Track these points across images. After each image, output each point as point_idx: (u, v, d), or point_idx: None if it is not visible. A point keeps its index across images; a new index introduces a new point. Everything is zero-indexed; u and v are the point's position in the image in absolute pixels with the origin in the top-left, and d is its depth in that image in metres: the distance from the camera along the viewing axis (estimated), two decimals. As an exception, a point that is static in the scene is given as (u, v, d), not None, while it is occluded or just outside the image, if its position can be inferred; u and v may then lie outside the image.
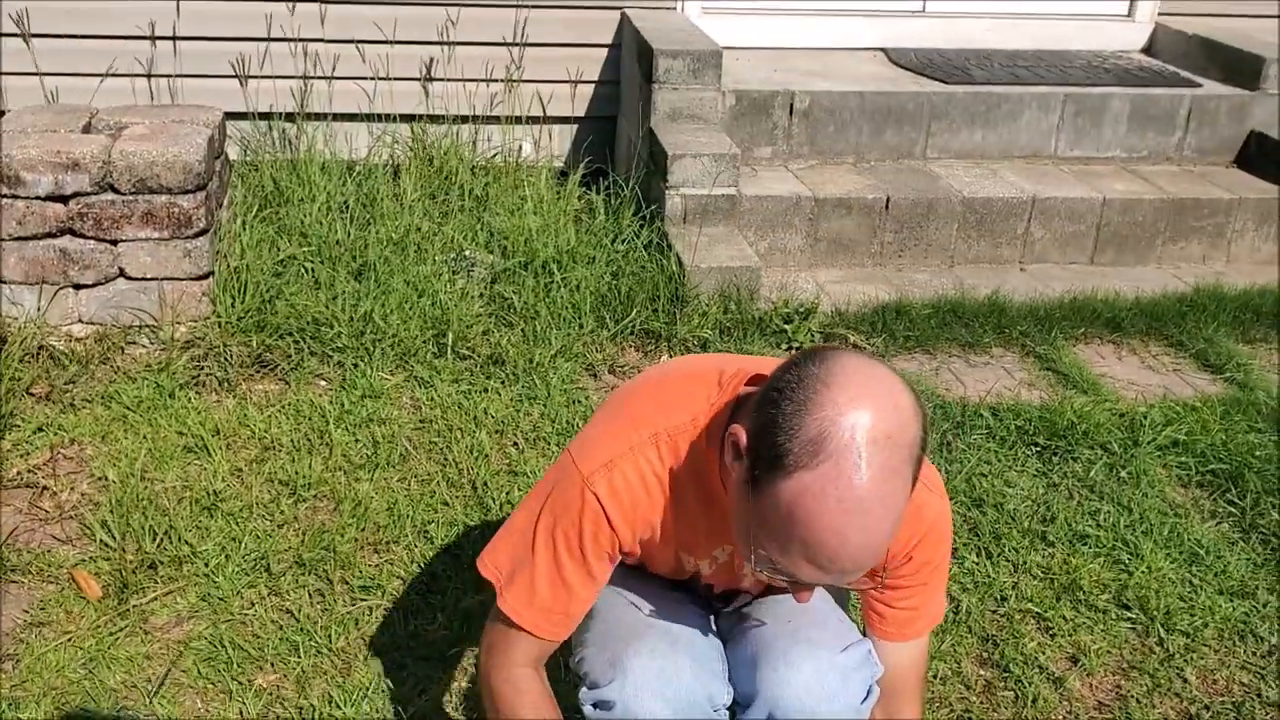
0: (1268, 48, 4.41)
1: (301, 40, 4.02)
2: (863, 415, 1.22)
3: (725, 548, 1.59)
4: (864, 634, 1.65)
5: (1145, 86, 4.31)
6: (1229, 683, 2.29)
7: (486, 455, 2.78)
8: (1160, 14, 4.77)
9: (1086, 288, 3.78)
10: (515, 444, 2.85)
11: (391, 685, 2.13)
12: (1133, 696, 2.23)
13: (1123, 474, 2.87)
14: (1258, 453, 2.96)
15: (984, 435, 2.98)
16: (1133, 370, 3.42)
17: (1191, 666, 2.32)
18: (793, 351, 3.26)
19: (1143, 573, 2.54)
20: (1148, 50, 4.81)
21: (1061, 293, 3.75)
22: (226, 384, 3.01)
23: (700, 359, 1.59)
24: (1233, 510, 2.80)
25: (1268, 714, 2.21)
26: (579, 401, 3.04)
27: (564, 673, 2.14)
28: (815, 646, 1.58)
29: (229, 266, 3.30)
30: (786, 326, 3.43)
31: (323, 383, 3.06)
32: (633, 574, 1.70)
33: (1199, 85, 4.38)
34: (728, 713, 1.60)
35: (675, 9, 4.39)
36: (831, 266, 3.93)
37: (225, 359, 3.07)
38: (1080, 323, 3.59)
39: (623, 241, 3.69)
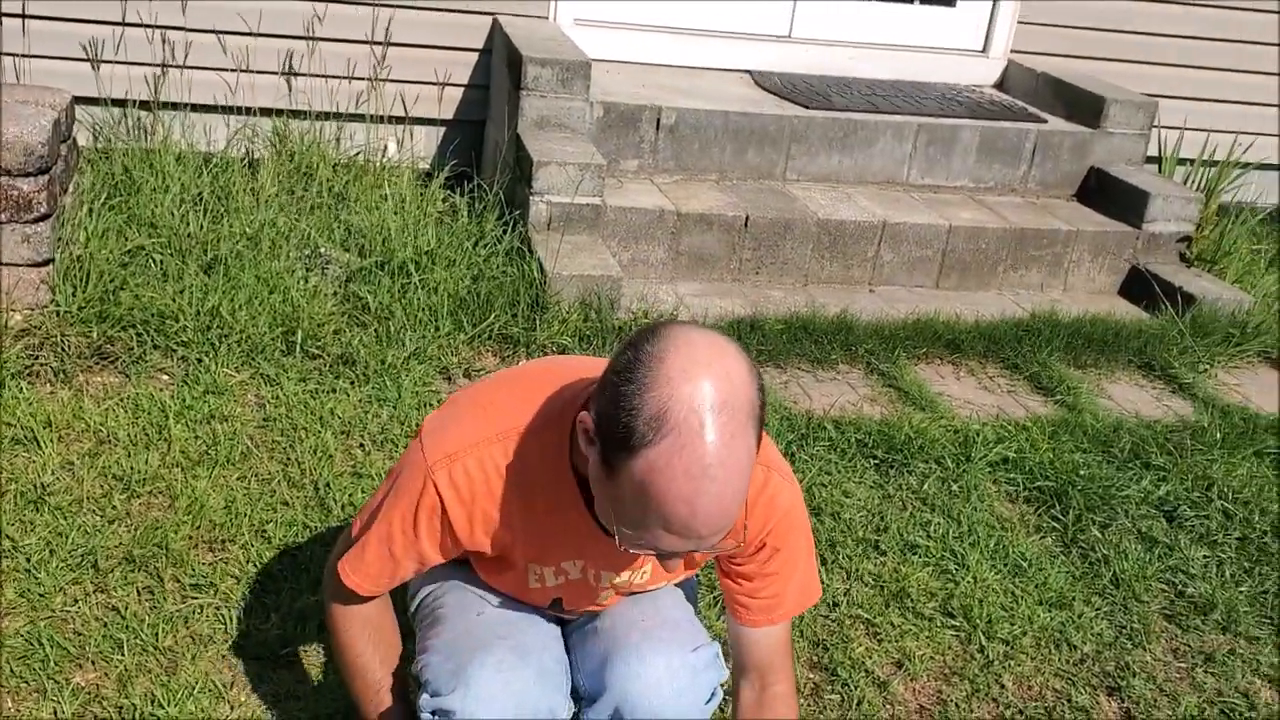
0: (1109, 89, 4.65)
1: (159, 27, 3.91)
2: (698, 386, 1.26)
3: (577, 562, 1.61)
4: (718, 636, 1.69)
5: (995, 120, 4.50)
6: (1043, 688, 2.40)
7: (331, 456, 2.74)
8: (1013, 51, 4.99)
9: (930, 310, 3.92)
10: (362, 445, 2.82)
11: (219, 684, 2.09)
12: (952, 701, 2.33)
13: (954, 488, 2.99)
14: (1082, 472, 3.11)
15: (826, 447, 3.06)
16: (970, 390, 3.57)
17: (1009, 673, 2.42)
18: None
19: (968, 583, 2.65)
20: (1000, 85, 5.02)
21: (906, 314, 3.88)
22: (62, 375, 2.91)
23: (560, 361, 1.62)
24: (1056, 525, 2.94)
25: (1076, 717, 2.32)
26: (431, 404, 3.02)
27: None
28: (667, 645, 1.62)
29: (71, 255, 3.19)
30: (643, 337, 3.47)
31: (165, 377, 2.98)
32: (484, 588, 1.71)
33: (1045, 121, 4.59)
34: None
35: (547, 19, 4.42)
36: (692, 280, 3.99)
37: (63, 349, 2.96)
38: (923, 343, 3.72)
39: (485, 246, 3.68)
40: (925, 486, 2.97)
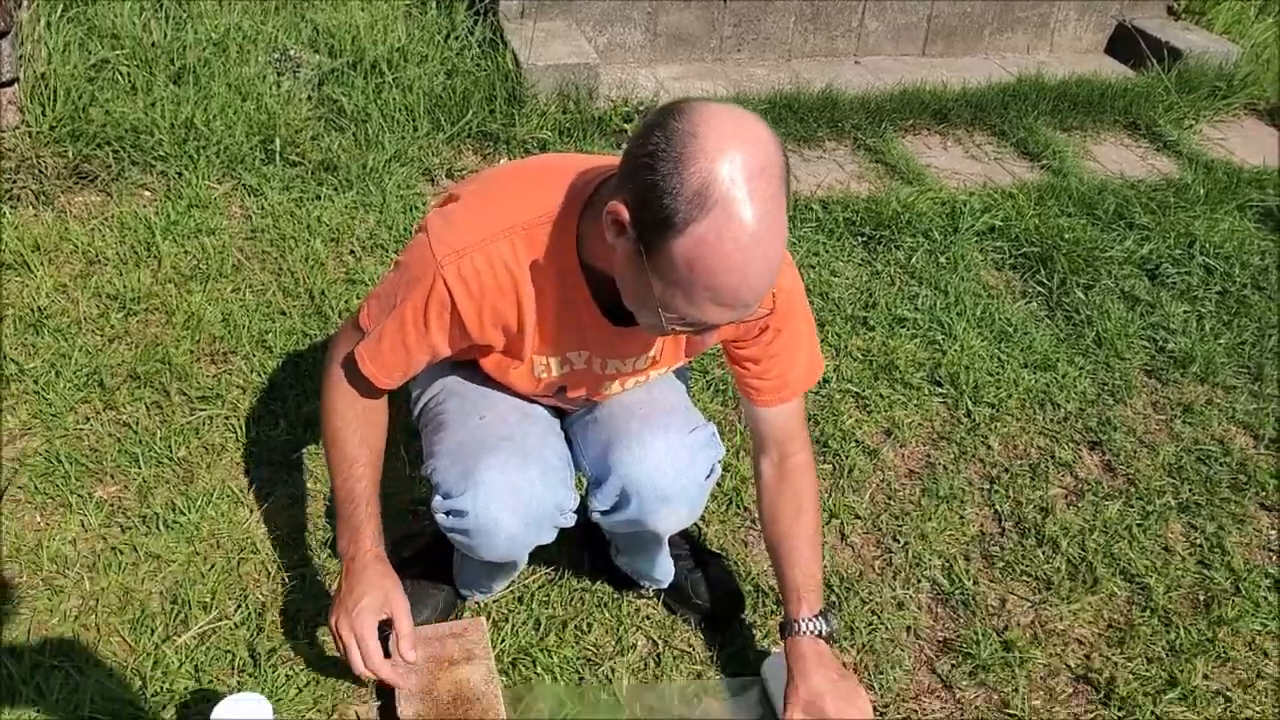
0: None
1: None
2: (734, 157, 1.27)
3: (582, 353, 1.65)
4: (712, 418, 1.75)
5: None
6: (1028, 447, 2.50)
7: (322, 264, 2.76)
8: None
9: (917, 79, 3.86)
10: (352, 251, 2.83)
11: (236, 490, 2.17)
12: (940, 464, 2.42)
13: (941, 259, 3.02)
14: (1067, 235, 3.14)
15: (814, 228, 3.08)
16: (957, 160, 3.55)
17: (995, 434, 2.51)
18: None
19: (955, 351, 2.72)
20: None
21: (893, 85, 3.82)
22: (43, 197, 2.89)
23: (556, 156, 1.61)
24: (1041, 290, 2.98)
25: (1059, 472, 2.43)
26: (416, 208, 3.02)
27: (408, 468, 2.22)
28: (666, 429, 1.68)
29: (36, 72, 3.11)
30: (626, 126, 3.43)
31: (147, 193, 2.96)
32: (486, 385, 1.75)
33: None
34: (574, 515, 1.69)
35: None
36: (671, 62, 3.91)
37: (40, 171, 2.93)
38: (910, 114, 3.68)
39: (456, 39, 3.59)
40: (913, 260, 3.00)
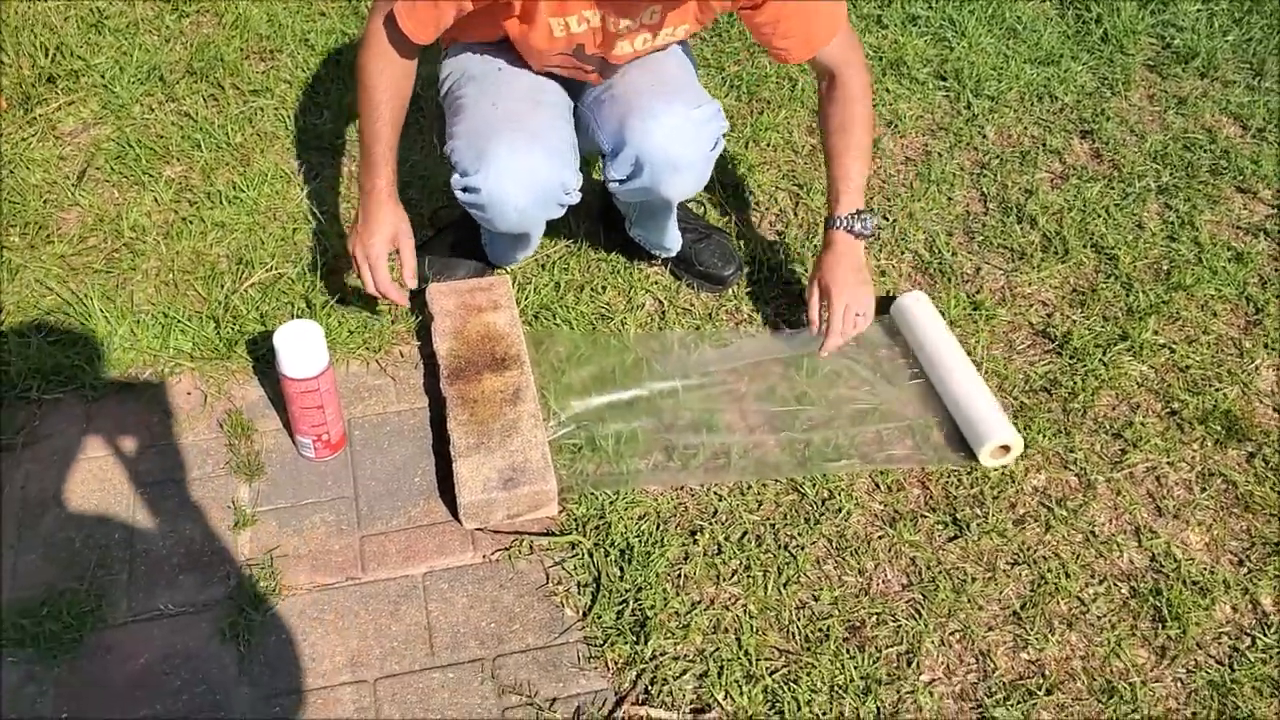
0: None
1: None
2: None
3: (596, 11, 1.82)
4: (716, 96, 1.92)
5: None
6: (1021, 136, 2.64)
7: (358, -35, 2.89)
8: None
9: None
10: (385, -46, 2.95)
11: (287, 172, 2.41)
12: (936, 152, 2.58)
13: (960, -42, 3.07)
14: (1090, -66, 3.15)
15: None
16: None
17: (992, 124, 2.66)
18: None
19: (963, 48, 2.82)
20: None
21: None
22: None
23: None
24: (1056, -11, 3.05)
25: (1049, 159, 2.57)
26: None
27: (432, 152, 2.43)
28: (674, 102, 1.86)
29: None
30: None
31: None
32: (504, 69, 1.93)
33: None
34: (579, 194, 1.90)
35: None
36: None
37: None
38: None
39: None
40: (929, -42, 3.06)
